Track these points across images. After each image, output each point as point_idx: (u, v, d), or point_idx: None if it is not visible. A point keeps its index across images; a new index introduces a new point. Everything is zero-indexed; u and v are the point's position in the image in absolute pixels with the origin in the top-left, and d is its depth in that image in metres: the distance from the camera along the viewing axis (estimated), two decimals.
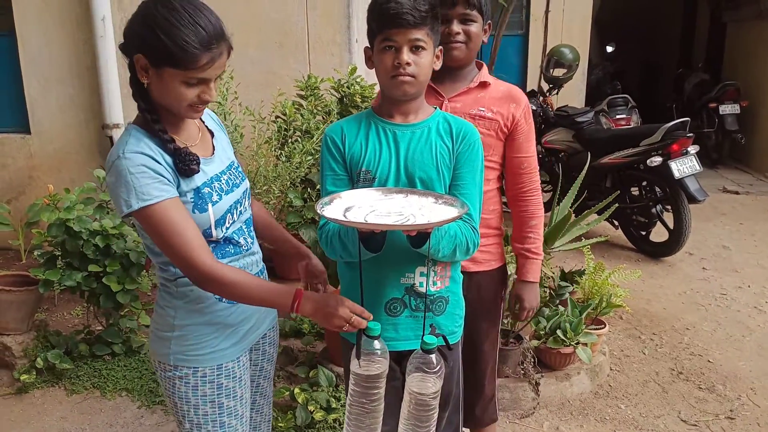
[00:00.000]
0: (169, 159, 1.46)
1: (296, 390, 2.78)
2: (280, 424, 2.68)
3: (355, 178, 1.66)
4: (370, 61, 1.67)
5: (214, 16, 1.41)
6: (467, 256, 1.69)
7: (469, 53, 1.95)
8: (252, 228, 1.72)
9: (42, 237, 3.19)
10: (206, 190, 1.52)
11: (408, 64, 1.55)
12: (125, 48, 1.45)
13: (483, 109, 1.95)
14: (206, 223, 1.51)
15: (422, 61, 1.58)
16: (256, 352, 1.78)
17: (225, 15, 1.51)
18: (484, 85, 1.99)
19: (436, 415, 1.54)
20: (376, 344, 1.47)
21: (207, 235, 1.52)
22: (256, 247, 1.71)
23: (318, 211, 1.45)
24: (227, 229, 1.58)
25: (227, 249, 1.59)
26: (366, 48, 1.67)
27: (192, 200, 1.49)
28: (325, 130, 1.72)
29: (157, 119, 1.46)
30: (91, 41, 4.39)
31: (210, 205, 1.52)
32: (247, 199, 1.68)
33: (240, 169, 1.69)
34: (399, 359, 1.74)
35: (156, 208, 1.40)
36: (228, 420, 1.63)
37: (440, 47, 1.65)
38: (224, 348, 1.61)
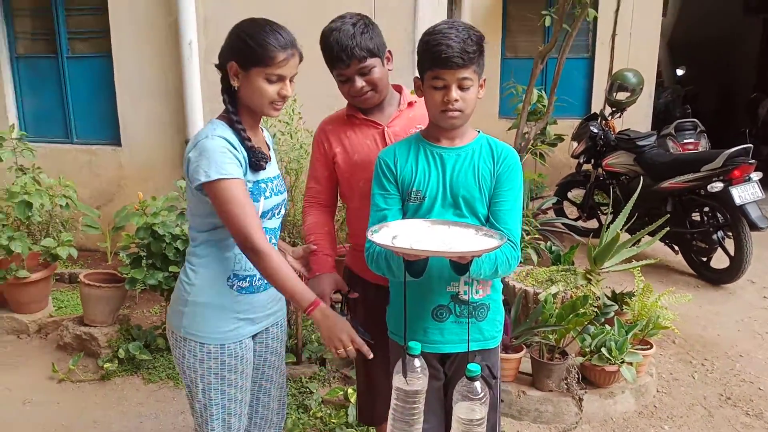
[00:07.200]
0: (244, 152, 1.77)
1: (350, 390, 3.01)
2: (332, 420, 2.92)
3: (405, 198, 1.84)
4: (419, 90, 1.84)
5: (288, 32, 1.78)
6: (510, 271, 1.84)
7: (379, 95, 2.08)
8: (278, 234, 1.98)
9: (130, 239, 3.54)
10: (263, 185, 1.84)
11: (456, 100, 1.72)
12: (220, 64, 1.79)
13: (420, 126, 2.03)
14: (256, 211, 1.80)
15: (469, 96, 1.75)
16: (260, 345, 2.00)
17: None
18: (411, 104, 2.16)
19: None
20: (416, 362, 1.61)
21: None
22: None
23: (368, 237, 1.63)
24: (265, 224, 1.85)
25: None
26: (416, 78, 1.84)
27: (251, 189, 1.78)
28: (378, 154, 1.92)
29: (239, 121, 1.79)
30: (179, 64, 4.74)
31: (262, 197, 1.82)
32: (283, 207, 1.96)
33: (283, 182, 1.99)
34: (443, 360, 1.90)
35: (229, 183, 1.69)
36: (228, 390, 1.88)
37: (484, 78, 1.81)
38: (228, 330, 1.85)
